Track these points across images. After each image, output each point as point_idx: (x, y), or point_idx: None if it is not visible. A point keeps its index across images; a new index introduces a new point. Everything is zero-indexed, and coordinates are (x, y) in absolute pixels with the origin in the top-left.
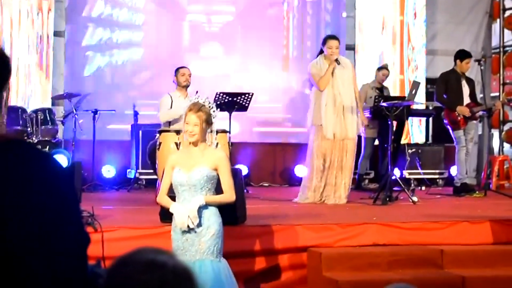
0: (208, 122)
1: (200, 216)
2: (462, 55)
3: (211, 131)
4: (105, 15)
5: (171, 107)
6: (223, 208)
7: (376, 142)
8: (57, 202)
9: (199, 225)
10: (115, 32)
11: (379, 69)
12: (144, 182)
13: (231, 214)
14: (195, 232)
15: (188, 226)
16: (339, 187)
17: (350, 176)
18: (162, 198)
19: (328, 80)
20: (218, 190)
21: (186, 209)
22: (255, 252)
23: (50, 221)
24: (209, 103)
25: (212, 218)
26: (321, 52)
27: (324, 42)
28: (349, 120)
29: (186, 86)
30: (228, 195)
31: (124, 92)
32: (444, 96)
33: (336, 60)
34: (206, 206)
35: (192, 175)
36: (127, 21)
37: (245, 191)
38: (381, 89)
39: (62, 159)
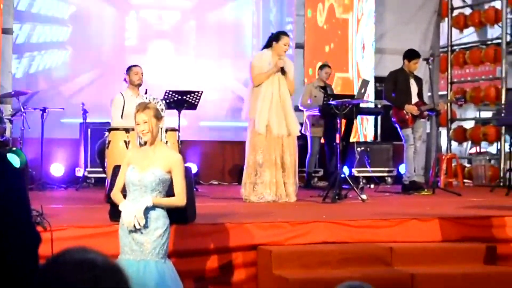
0: (157, 117)
1: (147, 217)
2: (410, 55)
3: (161, 128)
4: (52, 13)
5: (123, 107)
6: (173, 207)
7: (323, 140)
8: (9, 201)
9: (146, 226)
10: (62, 29)
11: (322, 67)
12: (93, 181)
13: (181, 213)
14: (141, 232)
15: (134, 226)
16: (280, 185)
17: (294, 174)
18: (116, 194)
19: (264, 80)
20: (170, 192)
21: (134, 209)
22: (205, 251)
23: (1, 220)
24: (155, 99)
25: (160, 220)
26: (268, 46)
27: (278, 38)
28: (290, 118)
29: (139, 85)
30: (179, 198)
31: (71, 90)
32: (393, 94)
33: (282, 69)
34: (153, 207)
35: (145, 176)
36: (71, 18)
37: (194, 189)
38: (325, 87)
39: (15, 159)
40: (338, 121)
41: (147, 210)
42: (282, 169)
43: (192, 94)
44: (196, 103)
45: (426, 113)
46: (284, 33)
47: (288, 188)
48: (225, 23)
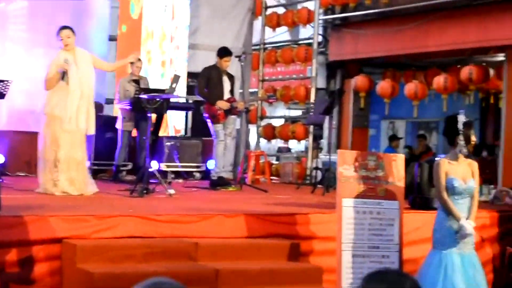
0: None
1: None
2: (221, 53)
3: None
4: None
5: None
6: None
7: (134, 134)
8: None
9: None
10: None
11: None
12: None
13: None
14: None
15: None
16: (81, 180)
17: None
18: None
19: (55, 83)
20: None
21: None
22: (8, 244)
23: None
24: None
25: None
26: None
27: (58, 33)
28: (91, 114)
29: None
30: None
31: None
32: (206, 90)
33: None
34: None
35: None
36: None
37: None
38: (138, 81)
39: None
40: (148, 115)
41: None
42: (81, 164)
43: (1, 83)
44: (4, 92)
45: (237, 109)
46: (63, 27)
47: (87, 182)
48: (32, 11)
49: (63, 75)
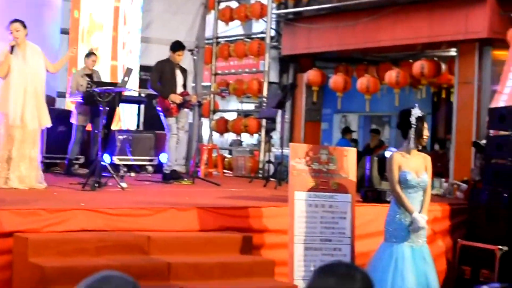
0: None
1: None
2: (174, 46)
3: None
4: None
5: None
6: None
7: (88, 128)
8: None
9: None
10: None
11: (88, 55)
12: None
13: None
14: None
15: None
16: (31, 177)
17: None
18: None
19: (5, 70)
20: None
21: None
22: None
23: None
24: None
25: None
26: None
27: (8, 27)
28: (43, 109)
29: None
30: None
31: None
32: (159, 83)
33: (13, 47)
34: None
35: None
36: None
37: None
38: (91, 75)
39: None
40: (101, 108)
41: None
42: (33, 161)
43: None
44: None
45: (190, 103)
46: (13, 21)
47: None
48: None
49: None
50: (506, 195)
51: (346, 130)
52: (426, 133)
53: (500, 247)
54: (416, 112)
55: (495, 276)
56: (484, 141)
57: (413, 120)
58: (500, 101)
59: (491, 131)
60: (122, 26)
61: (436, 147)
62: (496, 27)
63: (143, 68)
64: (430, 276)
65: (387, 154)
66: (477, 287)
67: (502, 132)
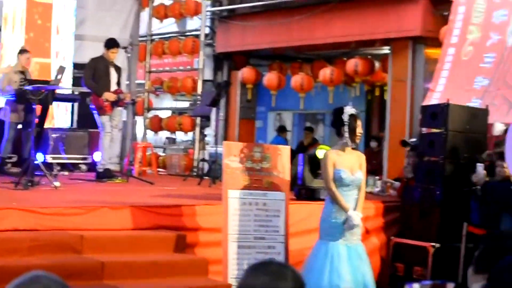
0: None
1: None
2: (108, 44)
3: None
4: None
5: None
6: None
7: (20, 126)
8: None
9: None
10: None
11: (21, 52)
12: None
13: None
14: None
15: None
16: None
17: None
18: None
19: None
20: None
21: None
22: None
23: None
24: None
25: None
26: None
27: None
28: None
29: None
30: None
31: None
32: (92, 81)
33: None
34: None
35: None
36: None
37: None
38: (24, 72)
39: None
40: (34, 107)
41: None
42: None
43: None
44: None
45: (124, 101)
46: None
47: None
48: None
49: None
50: (438, 192)
51: (282, 129)
52: (359, 130)
53: (433, 244)
54: (348, 110)
55: (428, 273)
56: (413, 139)
57: (346, 117)
58: (432, 99)
59: (424, 129)
60: (55, 23)
61: (373, 144)
62: (429, 26)
63: (76, 66)
64: (366, 273)
65: (318, 152)
66: (409, 285)
67: (434, 130)
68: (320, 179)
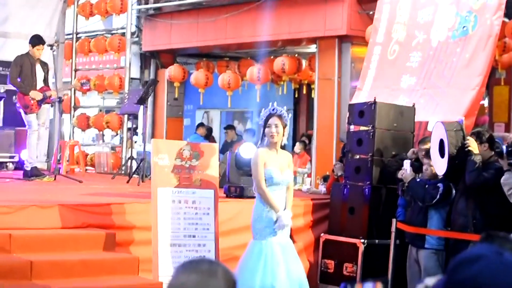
0: None
1: None
2: (33, 41)
3: None
4: None
5: None
6: None
7: None
8: None
9: None
10: None
11: None
12: None
13: None
14: None
15: None
16: None
17: None
18: None
19: None
20: None
21: None
22: None
23: None
24: None
25: None
26: None
27: None
28: None
29: None
30: None
31: None
32: (18, 79)
33: None
34: None
35: None
36: None
37: None
38: None
39: None
40: None
41: None
42: None
43: None
44: None
45: (51, 99)
46: None
47: None
48: None
49: None
50: (367, 189)
51: (198, 126)
52: (272, 130)
53: (363, 240)
54: (265, 111)
55: (358, 269)
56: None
57: (263, 118)
58: (360, 97)
59: (352, 127)
60: None
61: (298, 148)
62: (355, 25)
63: (1, 64)
64: (299, 271)
65: (241, 149)
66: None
67: (362, 128)
68: (246, 177)
